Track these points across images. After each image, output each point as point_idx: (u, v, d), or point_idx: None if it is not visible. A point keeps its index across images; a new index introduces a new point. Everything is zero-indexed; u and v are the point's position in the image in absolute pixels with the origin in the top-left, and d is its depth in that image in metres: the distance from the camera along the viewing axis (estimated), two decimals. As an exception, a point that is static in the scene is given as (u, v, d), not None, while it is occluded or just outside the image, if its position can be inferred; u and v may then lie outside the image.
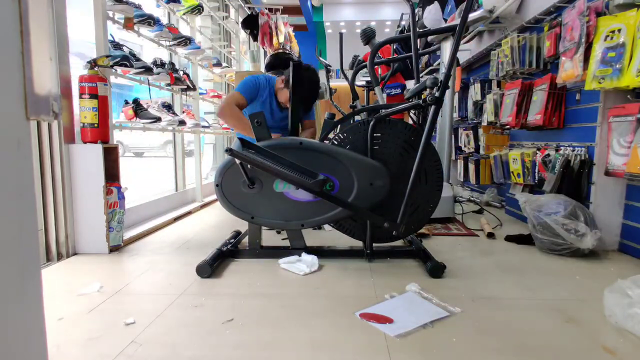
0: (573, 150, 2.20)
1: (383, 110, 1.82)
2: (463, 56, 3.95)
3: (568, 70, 2.10)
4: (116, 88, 2.40)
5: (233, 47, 5.13)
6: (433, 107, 1.61)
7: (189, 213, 3.21)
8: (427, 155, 1.65)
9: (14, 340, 0.56)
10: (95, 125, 2.01)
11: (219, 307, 1.39)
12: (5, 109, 0.55)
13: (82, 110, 2.00)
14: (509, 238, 2.27)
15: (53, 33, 0.65)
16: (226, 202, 1.78)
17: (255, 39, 4.78)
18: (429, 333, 1.20)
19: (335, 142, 1.80)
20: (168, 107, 2.93)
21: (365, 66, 2.60)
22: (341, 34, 3.41)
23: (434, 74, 4.33)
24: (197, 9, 3.42)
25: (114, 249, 2.08)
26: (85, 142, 2.03)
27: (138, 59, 2.44)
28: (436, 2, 3.31)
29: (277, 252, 1.92)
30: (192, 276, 1.68)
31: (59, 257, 1.96)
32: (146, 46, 3.31)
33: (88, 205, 2.01)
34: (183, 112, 3.42)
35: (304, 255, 1.84)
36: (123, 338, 1.17)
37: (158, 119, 2.62)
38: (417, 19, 3.11)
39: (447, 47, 3.08)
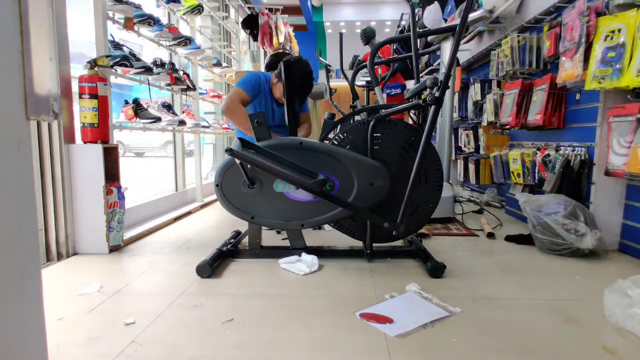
0: (573, 150, 2.20)
1: (383, 110, 1.82)
2: (463, 56, 3.95)
3: (568, 70, 2.10)
4: (116, 88, 2.40)
5: (233, 47, 5.13)
6: (433, 107, 1.61)
7: (189, 213, 3.21)
8: (427, 155, 1.65)
9: (14, 340, 0.56)
10: (95, 125, 2.01)
11: (219, 307, 1.39)
12: (5, 109, 0.55)
13: (82, 110, 2.00)
14: (509, 238, 2.27)
15: (53, 33, 0.65)
16: (226, 202, 1.78)
17: (255, 39, 4.78)
18: (429, 333, 1.20)
19: (335, 142, 1.80)
20: (168, 107, 2.93)
21: (365, 66, 2.60)
22: (341, 34, 3.41)
23: (434, 74, 4.33)
24: (197, 9, 3.42)
25: (114, 249, 2.08)
26: (85, 142, 2.03)
27: (138, 59, 2.44)
28: (436, 2, 3.31)
29: (277, 252, 1.92)
30: (192, 276, 1.68)
31: (59, 257, 1.96)
32: (146, 46, 3.31)
33: (88, 205, 2.01)
34: (183, 112, 3.42)
35: (304, 255, 1.84)
36: (123, 338, 1.17)
37: (158, 119, 2.62)
38: (417, 19, 3.11)
39: (447, 47, 3.08)
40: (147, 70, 2.50)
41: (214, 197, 3.82)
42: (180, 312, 1.36)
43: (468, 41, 3.67)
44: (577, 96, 2.21)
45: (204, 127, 3.70)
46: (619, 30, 1.79)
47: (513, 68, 2.68)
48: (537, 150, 2.55)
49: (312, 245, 1.99)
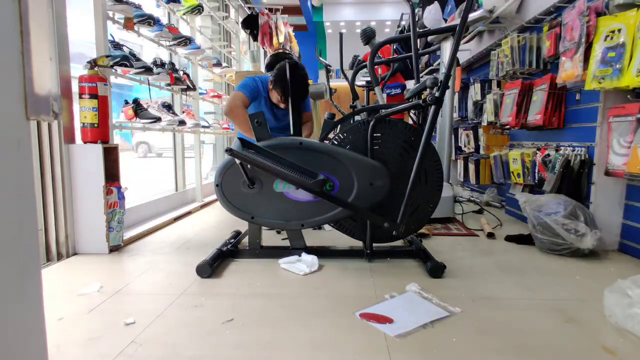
0: (573, 150, 2.20)
1: (383, 110, 1.82)
2: (463, 56, 3.95)
3: (568, 70, 2.10)
4: (116, 88, 2.40)
5: (233, 47, 5.13)
6: (433, 107, 1.61)
7: (189, 213, 3.21)
8: (427, 155, 1.65)
9: (14, 340, 0.56)
10: (95, 125, 2.01)
11: (219, 307, 1.39)
12: (5, 109, 0.55)
13: (82, 110, 2.01)
14: (509, 238, 2.27)
15: (53, 33, 0.65)
16: (226, 202, 1.78)
17: (255, 39, 4.78)
18: (429, 333, 1.20)
19: (335, 142, 1.80)
20: (168, 107, 2.93)
21: (365, 66, 2.60)
22: (341, 34, 3.41)
23: (434, 74, 4.33)
24: (197, 9, 3.42)
25: (114, 249, 2.08)
26: (85, 142, 2.03)
27: (138, 59, 2.44)
28: (436, 2, 3.31)
29: (277, 252, 1.92)
30: (192, 276, 1.68)
31: (59, 257, 1.96)
32: (146, 46, 3.31)
33: (88, 205, 2.01)
34: (183, 112, 3.42)
35: (304, 255, 1.84)
36: (123, 338, 1.17)
37: (158, 119, 2.62)
38: (417, 19, 3.11)
39: (447, 47, 3.08)
40: (147, 70, 2.50)
41: (214, 197, 3.82)
42: (180, 312, 1.36)
43: (468, 41, 3.67)
44: (577, 96, 2.21)
45: (204, 127, 3.70)
46: (619, 30, 1.79)
47: (513, 68, 2.68)
48: (537, 150, 2.55)
49: (312, 245, 1.99)
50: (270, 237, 2.36)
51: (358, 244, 1.97)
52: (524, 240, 2.20)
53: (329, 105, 4.08)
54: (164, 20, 3.18)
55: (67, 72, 1.98)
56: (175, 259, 1.96)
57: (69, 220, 1.98)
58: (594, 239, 1.83)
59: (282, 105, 2.30)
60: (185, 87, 3.17)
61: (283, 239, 2.29)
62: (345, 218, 1.84)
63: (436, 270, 1.67)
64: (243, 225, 2.13)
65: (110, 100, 2.10)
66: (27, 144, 0.58)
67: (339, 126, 2.16)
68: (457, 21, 1.73)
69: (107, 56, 2.12)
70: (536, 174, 2.52)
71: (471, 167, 3.84)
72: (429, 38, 3.62)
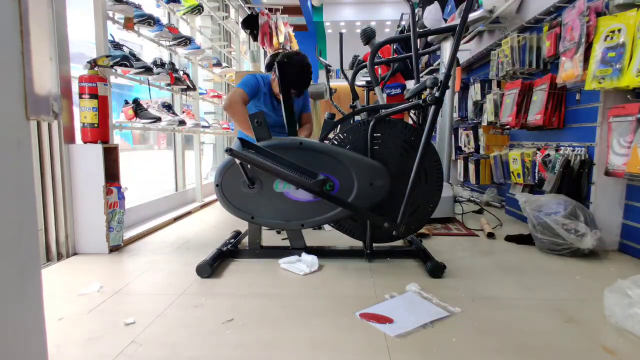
0: (573, 150, 2.20)
1: (383, 110, 1.82)
2: (463, 56, 3.95)
3: (568, 70, 2.10)
4: (116, 88, 2.40)
5: (233, 47, 5.13)
6: (433, 107, 1.61)
7: (189, 213, 3.21)
8: (427, 155, 1.65)
9: (14, 340, 0.56)
10: (95, 125, 2.01)
11: (219, 307, 1.39)
12: (5, 109, 0.55)
13: (82, 110, 2.01)
14: (509, 238, 2.27)
15: (53, 33, 0.65)
16: (226, 202, 1.78)
17: (255, 39, 4.78)
18: (429, 333, 1.20)
19: (335, 142, 1.80)
20: (168, 107, 2.93)
21: (365, 66, 2.60)
22: (341, 34, 3.41)
23: (434, 74, 4.33)
24: (197, 9, 3.42)
25: (114, 249, 2.08)
26: (85, 142, 2.03)
27: (138, 59, 2.44)
28: (436, 2, 3.31)
29: (277, 252, 1.92)
30: (192, 276, 1.68)
31: (59, 257, 1.96)
32: (146, 46, 3.31)
33: (88, 205, 2.01)
34: (183, 112, 3.42)
35: (304, 255, 1.84)
36: (123, 338, 1.17)
37: (158, 119, 2.63)
38: (417, 19, 3.11)
39: (447, 47, 3.08)
40: (147, 70, 2.50)
41: (214, 197, 3.82)
42: (180, 312, 1.36)
43: (468, 41, 3.67)
44: (577, 96, 2.21)
45: (204, 127, 3.70)
46: (619, 30, 1.79)
47: (513, 68, 2.68)
48: (537, 150, 2.55)
49: (312, 245, 1.99)
50: (270, 237, 2.36)
51: (358, 244, 1.97)
52: (524, 240, 2.20)
53: (329, 105, 4.07)
54: (164, 20, 3.18)
55: (67, 72, 1.98)
56: (175, 259, 1.96)
57: (69, 220, 1.98)
58: (594, 239, 1.83)
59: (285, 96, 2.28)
60: (185, 87, 3.17)
61: (283, 239, 2.29)
62: (345, 218, 1.84)
63: (436, 270, 1.67)
64: (243, 225, 2.13)
65: (110, 100, 2.10)
66: (27, 144, 0.58)
67: (339, 126, 2.15)
68: (457, 21, 1.73)
69: (107, 56, 2.12)
70: (536, 174, 2.52)
71: (471, 167, 3.84)
72: (429, 38, 3.62)
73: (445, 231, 2.50)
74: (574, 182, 2.13)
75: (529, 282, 1.61)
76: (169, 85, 2.96)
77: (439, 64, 3.92)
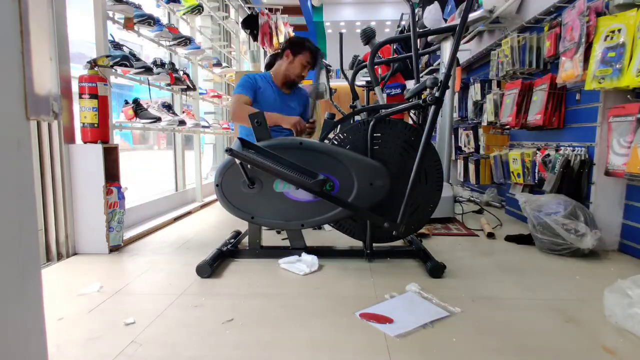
0: (573, 150, 2.20)
1: (383, 110, 1.82)
2: (463, 56, 3.95)
3: (568, 70, 2.10)
4: (116, 88, 2.40)
5: (233, 47, 5.13)
6: (433, 107, 1.60)
7: (189, 213, 3.21)
8: (427, 155, 1.65)
9: (14, 340, 0.56)
10: (95, 125, 2.01)
11: (219, 307, 1.39)
12: (5, 109, 0.55)
13: (82, 110, 2.01)
14: (509, 238, 2.27)
15: (53, 33, 0.65)
16: (226, 202, 1.78)
17: (255, 39, 4.79)
18: (429, 333, 1.20)
19: (335, 142, 1.80)
20: (168, 107, 2.93)
21: (365, 66, 2.60)
22: (341, 34, 3.41)
23: (434, 74, 4.33)
24: (197, 9, 3.42)
25: (114, 249, 2.08)
26: (85, 142, 2.03)
27: (138, 59, 2.44)
28: (436, 2, 3.32)
29: (277, 252, 1.92)
30: (192, 276, 1.68)
31: (59, 257, 1.96)
32: (146, 46, 3.31)
33: (88, 205, 2.01)
34: (183, 112, 3.42)
35: (304, 255, 1.84)
36: (123, 338, 1.17)
37: (158, 119, 2.63)
38: (417, 19, 3.11)
39: (447, 47, 3.08)
40: (147, 70, 2.50)
41: (214, 197, 3.82)
42: (180, 312, 1.36)
43: (468, 41, 3.67)
44: (577, 96, 2.21)
45: (204, 127, 3.70)
46: (619, 30, 1.79)
47: (513, 68, 2.68)
48: (537, 150, 2.55)
49: (312, 245, 1.99)
50: (270, 237, 2.36)
51: (358, 244, 1.97)
52: (524, 240, 2.20)
53: (329, 105, 4.07)
54: (164, 20, 3.18)
55: (67, 72, 1.98)
56: (175, 259, 1.96)
57: (69, 220, 1.98)
58: (594, 239, 1.83)
59: (304, 74, 2.36)
60: (185, 87, 3.17)
61: (283, 239, 2.29)
62: (345, 218, 1.84)
63: (436, 270, 1.67)
64: (243, 225, 2.13)
65: (110, 100, 2.10)
66: (27, 144, 0.58)
67: (339, 126, 2.16)
68: (457, 21, 1.73)
69: (107, 56, 2.12)
70: (536, 174, 2.52)
71: (471, 167, 3.84)
72: (429, 38, 3.62)
73: (445, 231, 2.50)
74: (574, 182, 2.13)
75: (529, 282, 1.61)
76: (169, 85, 2.96)
77: (439, 64, 3.92)
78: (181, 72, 3.09)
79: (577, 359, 1.07)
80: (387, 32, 11.18)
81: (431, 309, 1.34)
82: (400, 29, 4.79)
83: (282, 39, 4.99)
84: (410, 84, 3.15)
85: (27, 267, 0.59)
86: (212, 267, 1.70)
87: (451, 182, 3.27)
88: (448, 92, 2.97)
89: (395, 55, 3.78)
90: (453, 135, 3.95)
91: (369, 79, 3.19)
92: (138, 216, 2.70)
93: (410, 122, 2.83)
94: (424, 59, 4.99)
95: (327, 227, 2.49)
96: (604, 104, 1.98)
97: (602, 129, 2.00)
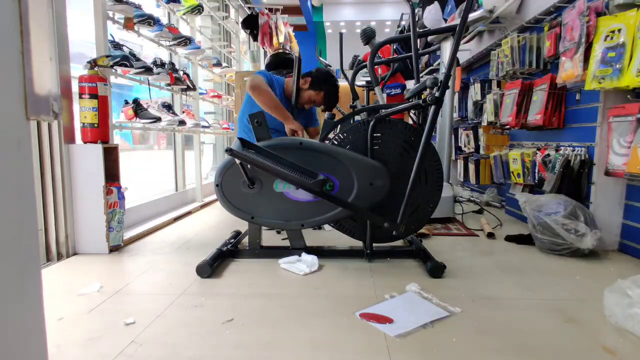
0: (573, 150, 2.20)
1: (383, 110, 1.82)
2: (463, 56, 3.95)
3: (568, 70, 2.10)
4: (116, 88, 2.40)
5: (233, 47, 5.13)
6: (433, 107, 1.61)
7: (189, 213, 3.21)
8: (427, 155, 1.65)
9: (14, 340, 0.56)
10: (95, 125, 2.01)
11: (219, 307, 1.39)
12: (5, 109, 0.55)
13: (82, 110, 2.01)
14: (509, 238, 2.27)
15: (53, 33, 0.65)
16: (226, 202, 1.78)
17: (255, 39, 4.78)
18: (429, 333, 1.20)
19: (335, 142, 1.80)
20: (168, 107, 2.93)
21: (365, 66, 2.60)
22: (341, 34, 3.41)
23: (434, 74, 4.33)
24: (197, 9, 3.42)
25: (114, 249, 2.08)
26: (85, 142, 2.03)
27: (138, 59, 2.44)
28: (436, 2, 3.31)
29: (277, 252, 1.92)
30: (192, 276, 1.68)
31: (59, 257, 1.96)
32: (146, 46, 3.31)
33: (88, 205, 2.01)
34: (183, 112, 3.42)
35: (304, 255, 1.84)
36: (123, 338, 1.17)
37: (158, 119, 2.63)
38: (417, 19, 3.11)
39: (447, 47, 3.08)
40: (147, 70, 2.50)
41: (214, 197, 3.82)
42: (180, 312, 1.36)
43: (468, 41, 3.67)
44: (577, 96, 2.21)
45: (204, 127, 3.70)
46: (619, 30, 1.79)
47: (513, 68, 2.68)
48: (537, 150, 2.55)
49: (312, 245, 1.99)
50: (270, 237, 2.36)
51: (358, 244, 1.97)
52: (524, 240, 2.20)
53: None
54: (164, 20, 3.18)
55: (67, 72, 1.98)
56: (175, 259, 1.96)
57: (69, 220, 1.98)
58: (594, 239, 1.83)
59: (307, 106, 2.34)
60: (185, 87, 3.17)
61: (283, 239, 2.29)
62: (345, 218, 1.84)
63: (436, 270, 1.67)
64: (243, 225, 2.13)
65: (110, 100, 2.10)
66: (27, 144, 0.58)
67: (339, 126, 2.16)
68: (457, 21, 1.73)
69: (107, 56, 2.12)
70: (536, 174, 2.52)
71: (471, 167, 3.84)
72: (429, 38, 3.61)
73: (445, 231, 2.50)
74: (574, 182, 2.13)
75: (529, 282, 1.61)
76: (169, 85, 2.96)
77: (439, 64, 3.92)
78: (181, 72, 3.09)
79: (577, 359, 1.07)
80: (387, 32, 11.18)
81: (431, 309, 1.34)
82: (400, 29, 4.79)
83: (282, 39, 4.99)
84: (410, 84, 3.15)
85: (27, 267, 0.59)
86: (212, 267, 1.70)
87: (451, 182, 3.27)
88: (448, 92, 2.97)
89: (395, 55, 3.78)
90: (453, 135, 3.95)
91: (369, 79, 3.19)
92: (138, 216, 2.70)
93: (410, 122, 2.83)
94: (424, 59, 4.99)
95: (327, 227, 2.49)
96: (604, 104, 1.98)
97: (602, 129, 2.00)
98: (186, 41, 3.07)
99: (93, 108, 2.00)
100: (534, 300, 1.44)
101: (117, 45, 2.35)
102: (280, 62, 3.61)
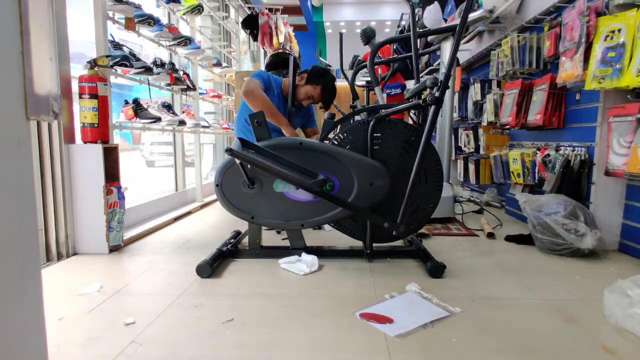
0: (573, 150, 2.20)
1: (383, 110, 1.82)
2: (463, 56, 3.95)
3: (568, 70, 2.10)
4: (116, 88, 2.40)
5: (233, 47, 5.13)
6: (433, 107, 1.61)
7: (189, 213, 3.21)
8: (427, 155, 1.65)
9: (14, 340, 0.56)
10: (95, 125, 2.01)
11: (219, 307, 1.39)
12: (5, 109, 0.55)
13: (82, 110, 2.01)
14: (509, 238, 2.27)
15: (53, 33, 0.65)
16: (226, 202, 1.78)
17: (255, 39, 4.78)
18: (429, 333, 1.20)
19: (335, 142, 1.80)
20: (168, 107, 2.93)
21: (365, 66, 2.60)
22: (341, 34, 3.41)
23: (434, 74, 4.33)
24: (197, 9, 3.42)
25: (114, 249, 2.08)
26: (85, 142, 2.03)
27: (138, 59, 2.44)
28: (436, 2, 3.31)
29: (277, 252, 1.92)
30: (192, 276, 1.68)
31: (59, 257, 1.96)
32: (146, 46, 3.31)
33: (88, 205, 2.01)
34: (183, 112, 3.42)
35: (304, 255, 1.84)
36: (123, 338, 1.17)
37: (158, 119, 2.63)
38: (417, 19, 3.11)
39: (447, 47, 3.08)
40: (147, 70, 2.50)
41: (214, 197, 3.82)
42: (180, 312, 1.36)
43: (468, 41, 3.67)
44: (577, 96, 2.21)
45: (204, 127, 3.70)
46: (619, 30, 1.79)
47: (513, 68, 2.68)
48: (537, 150, 2.55)
49: (312, 245, 1.99)
50: (270, 237, 2.36)
51: (358, 244, 1.97)
52: (524, 240, 2.20)
53: (329, 105, 4.07)
54: (164, 20, 3.18)
55: (67, 72, 1.98)
56: (175, 259, 1.96)
57: (69, 220, 1.98)
58: (594, 239, 1.83)
59: (305, 103, 2.33)
60: (185, 87, 3.17)
61: (283, 239, 2.29)
62: (345, 218, 1.84)
63: (436, 270, 1.67)
64: (243, 225, 2.13)
65: (110, 100, 2.10)
66: (27, 144, 0.58)
67: (339, 126, 2.16)
68: (457, 21, 1.73)
69: (107, 56, 2.12)
70: (536, 174, 2.52)
71: (471, 167, 3.84)
72: (429, 38, 3.62)
73: (445, 231, 2.50)
74: (574, 182, 2.13)
75: (529, 282, 1.61)
76: (169, 85, 2.96)
77: (439, 64, 3.92)
78: (181, 72, 3.09)
79: (577, 359, 1.07)
80: (387, 32, 11.19)
81: (431, 309, 1.34)
82: (400, 29, 4.79)
83: (282, 39, 4.99)
84: (410, 84, 3.15)
85: (27, 267, 0.59)
86: (212, 267, 1.70)
87: (451, 182, 3.27)
88: (448, 92, 2.97)
89: (395, 55, 3.78)
90: (453, 135, 3.95)
91: (369, 79, 3.19)
92: (138, 216, 2.70)
93: (410, 122, 2.83)
94: (424, 59, 4.99)
95: (327, 227, 2.49)
96: (604, 104, 1.98)
97: (602, 129, 2.00)
98: (186, 41, 3.07)
99: (93, 108, 2.00)
100: (534, 300, 1.44)
101: (117, 45, 2.35)
102: (280, 62, 3.61)
